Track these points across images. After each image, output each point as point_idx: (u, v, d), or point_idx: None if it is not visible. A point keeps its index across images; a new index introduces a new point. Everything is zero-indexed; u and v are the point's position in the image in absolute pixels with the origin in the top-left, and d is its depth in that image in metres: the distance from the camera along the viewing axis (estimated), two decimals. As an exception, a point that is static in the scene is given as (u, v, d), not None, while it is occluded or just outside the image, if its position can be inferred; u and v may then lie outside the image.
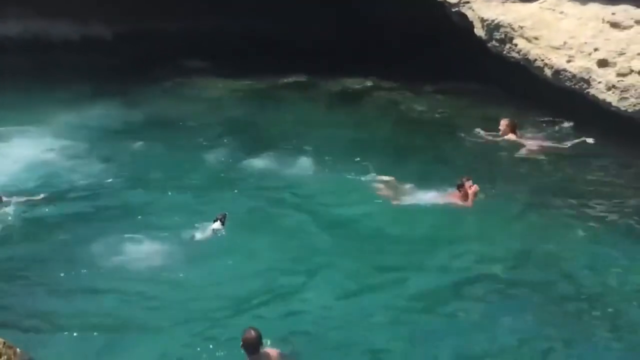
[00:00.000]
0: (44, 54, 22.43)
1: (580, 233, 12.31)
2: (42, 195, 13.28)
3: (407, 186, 13.69)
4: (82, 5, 23.63)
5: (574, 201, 13.50)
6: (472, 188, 13.14)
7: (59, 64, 21.91)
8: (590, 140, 16.19)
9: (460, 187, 13.23)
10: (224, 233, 12.10)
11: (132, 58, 22.62)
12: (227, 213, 12.39)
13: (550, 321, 9.92)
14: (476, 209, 13.04)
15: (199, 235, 12.13)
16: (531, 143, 16.41)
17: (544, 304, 10.29)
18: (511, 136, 16.61)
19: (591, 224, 12.62)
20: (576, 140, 16.34)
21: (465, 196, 13.17)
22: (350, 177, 14.24)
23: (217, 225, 12.22)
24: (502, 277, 11.03)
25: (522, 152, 16.04)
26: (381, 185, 13.73)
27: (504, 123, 16.69)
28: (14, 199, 12.93)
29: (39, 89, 19.25)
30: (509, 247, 11.89)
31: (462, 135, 16.92)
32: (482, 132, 16.96)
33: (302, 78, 21.82)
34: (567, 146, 16.24)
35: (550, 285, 10.78)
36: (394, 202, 13.18)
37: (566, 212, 13.08)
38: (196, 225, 12.19)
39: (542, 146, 16.32)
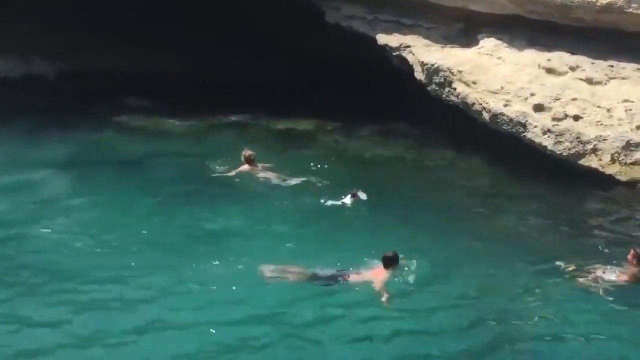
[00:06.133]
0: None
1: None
2: None
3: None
4: (24, 42, 23.54)
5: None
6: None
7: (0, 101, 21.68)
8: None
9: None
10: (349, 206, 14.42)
11: (75, 96, 22.33)
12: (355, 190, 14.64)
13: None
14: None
15: (330, 202, 14.55)
16: (266, 174, 16.75)
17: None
18: (246, 167, 16.86)
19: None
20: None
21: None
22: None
23: (347, 199, 14.55)
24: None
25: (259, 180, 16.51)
26: None
27: (243, 154, 16.98)
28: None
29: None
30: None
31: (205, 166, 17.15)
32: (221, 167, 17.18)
33: (245, 118, 21.79)
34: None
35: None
36: None
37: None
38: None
39: (278, 177, 16.60)
